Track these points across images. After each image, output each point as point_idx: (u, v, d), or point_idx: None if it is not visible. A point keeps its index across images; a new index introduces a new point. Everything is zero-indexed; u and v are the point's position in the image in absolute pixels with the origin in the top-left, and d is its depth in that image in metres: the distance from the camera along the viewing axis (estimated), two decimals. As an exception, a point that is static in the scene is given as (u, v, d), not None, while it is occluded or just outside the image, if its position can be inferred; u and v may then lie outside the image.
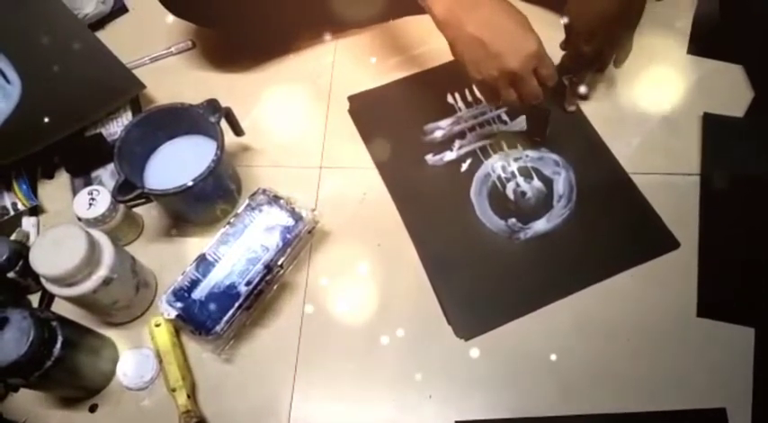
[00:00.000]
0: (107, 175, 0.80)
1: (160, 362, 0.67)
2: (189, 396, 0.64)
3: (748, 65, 0.83)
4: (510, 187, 0.77)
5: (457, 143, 0.80)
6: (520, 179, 0.77)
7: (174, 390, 0.65)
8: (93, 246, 0.60)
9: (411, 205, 0.76)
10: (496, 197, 0.76)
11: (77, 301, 0.63)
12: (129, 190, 0.66)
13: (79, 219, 0.70)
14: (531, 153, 0.78)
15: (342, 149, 0.81)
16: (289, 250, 0.69)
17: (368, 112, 0.84)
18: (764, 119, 0.79)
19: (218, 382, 0.68)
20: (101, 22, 0.94)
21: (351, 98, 0.85)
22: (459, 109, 0.83)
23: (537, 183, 0.77)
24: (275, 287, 0.71)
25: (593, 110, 0.81)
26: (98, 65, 0.77)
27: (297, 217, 0.70)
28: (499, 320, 0.68)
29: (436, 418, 0.65)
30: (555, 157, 0.78)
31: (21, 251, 0.69)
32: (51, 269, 0.59)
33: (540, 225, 0.74)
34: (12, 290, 0.71)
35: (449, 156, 0.79)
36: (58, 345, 0.59)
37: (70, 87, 0.75)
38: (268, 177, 0.79)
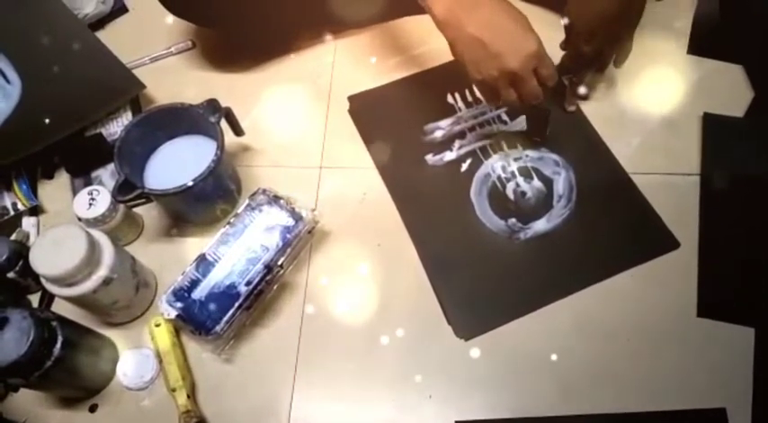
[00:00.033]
0: (107, 175, 0.80)
1: (160, 362, 0.67)
2: (189, 396, 0.64)
3: (748, 65, 0.83)
4: (510, 187, 0.77)
5: (457, 143, 0.80)
6: (520, 179, 0.77)
7: (174, 390, 0.65)
8: (93, 246, 0.60)
9: (411, 205, 0.76)
10: (496, 197, 0.76)
11: (77, 301, 0.63)
12: (129, 190, 0.66)
13: (79, 219, 0.70)
14: (531, 153, 0.78)
15: (342, 149, 0.81)
16: (289, 250, 0.69)
17: (368, 112, 0.84)
18: (764, 119, 0.79)
19: (218, 382, 0.68)
20: (101, 22, 0.94)
21: (351, 98, 0.85)
22: (459, 109, 0.83)
23: (537, 183, 0.77)
24: (275, 287, 0.71)
25: (593, 110, 0.81)
26: (98, 65, 0.77)
27: (297, 217, 0.70)
28: (499, 320, 0.68)
29: (436, 418, 0.65)
30: (555, 157, 0.78)
31: (21, 251, 0.69)
32: (51, 269, 0.59)
33: (540, 225, 0.74)
34: (12, 290, 0.71)
35: (449, 156, 0.79)
36: (58, 345, 0.59)
37: (70, 87, 0.75)
38: (268, 177, 0.79)
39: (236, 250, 0.68)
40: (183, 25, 0.90)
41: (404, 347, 0.68)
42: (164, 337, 0.67)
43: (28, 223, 0.77)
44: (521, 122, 0.80)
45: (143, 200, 0.78)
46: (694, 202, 0.74)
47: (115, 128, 0.81)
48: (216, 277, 0.66)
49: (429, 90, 0.84)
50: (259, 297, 0.68)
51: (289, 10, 0.83)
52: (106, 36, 0.89)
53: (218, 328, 0.64)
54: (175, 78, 0.88)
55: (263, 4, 0.79)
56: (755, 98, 0.80)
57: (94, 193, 0.70)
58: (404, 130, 0.81)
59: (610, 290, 0.70)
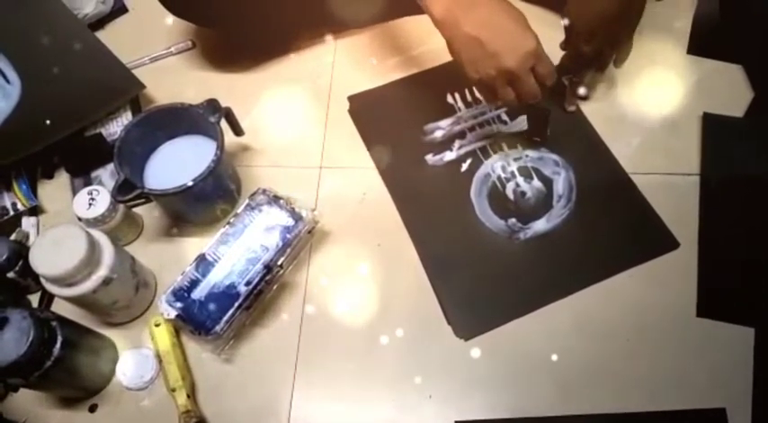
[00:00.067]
0: (107, 175, 0.80)
1: (160, 362, 0.67)
2: (189, 396, 0.64)
3: (748, 65, 0.83)
4: (510, 187, 0.77)
5: (457, 143, 0.80)
6: (520, 179, 0.77)
7: (173, 390, 0.65)
8: (92, 246, 0.60)
9: (411, 205, 0.76)
10: (496, 197, 0.76)
11: (77, 301, 0.63)
12: (129, 190, 0.66)
13: (79, 219, 0.70)
14: (531, 153, 0.78)
15: (342, 149, 0.81)
16: (288, 250, 0.69)
17: (368, 112, 0.84)
18: (764, 119, 0.79)
19: (218, 382, 0.68)
20: (101, 22, 0.94)
21: (351, 98, 0.85)
22: (459, 109, 0.83)
23: (537, 183, 0.77)
24: (275, 287, 0.71)
25: (593, 110, 0.81)
26: (98, 65, 0.77)
27: (297, 217, 0.70)
28: (499, 320, 0.68)
29: (436, 418, 0.65)
30: (555, 157, 0.78)
31: (20, 251, 0.69)
32: (51, 269, 0.59)
33: (540, 225, 0.74)
34: (12, 290, 0.71)
35: (449, 156, 0.79)
36: (58, 345, 0.59)
37: (70, 87, 0.75)
38: (268, 177, 0.79)
39: (235, 250, 0.68)
40: (183, 25, 0.90)
41: (404, 347, 0.68)
42: (163, 337, 0.67)
43: (28, 223, 0.77)
44: (521, 122, 0.80)
45: (143, 200, 0.78)
46: (694, 202, 0.74)
47: (115, 128, 0.81)
48: (216, 277, 0.66)
49: (429, 90, 0.84)
50: (259, 297, 0.68)
51: (289, 10, 0.83)
52: (106, 36, 0.89)
53: (217, 328, 0.64)
54: (175, 78, 0.88)
55: (263, 4, 0.79)
56: (755, 98, 0.80)
57: (94, 193, 0.70)
58: (404, 130, 0.81)
59: (609, 290, 0.70)
